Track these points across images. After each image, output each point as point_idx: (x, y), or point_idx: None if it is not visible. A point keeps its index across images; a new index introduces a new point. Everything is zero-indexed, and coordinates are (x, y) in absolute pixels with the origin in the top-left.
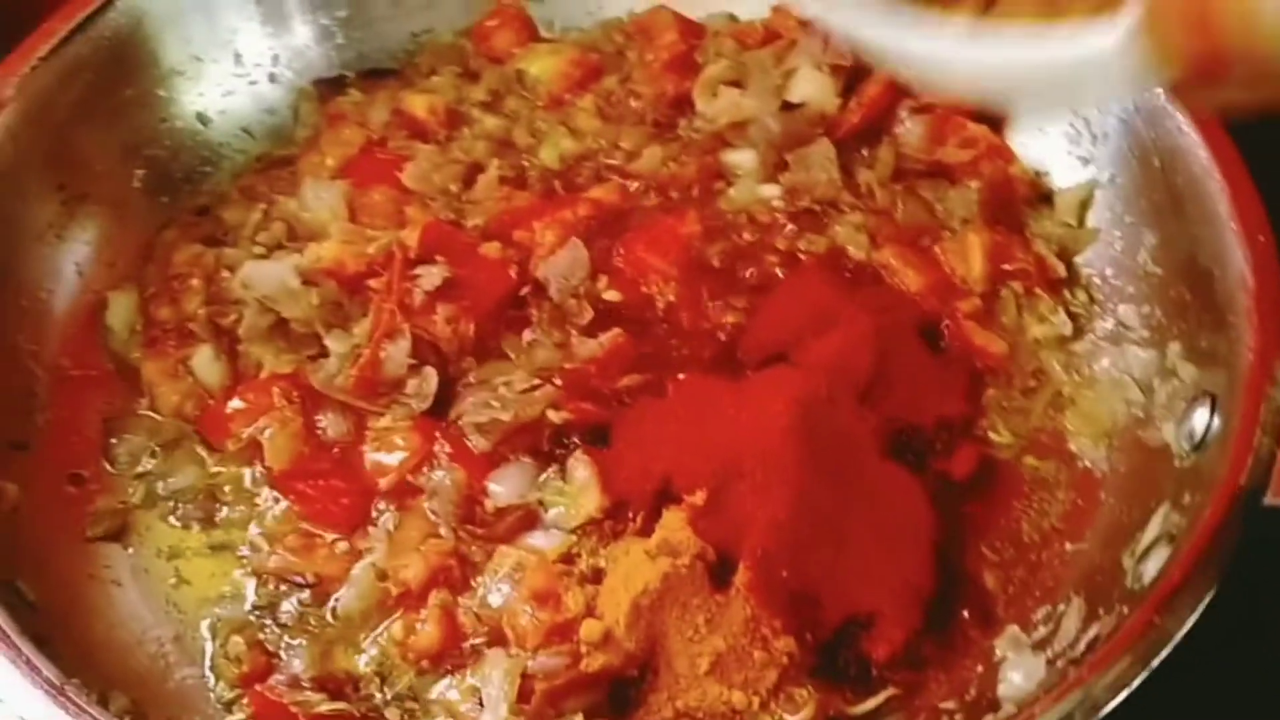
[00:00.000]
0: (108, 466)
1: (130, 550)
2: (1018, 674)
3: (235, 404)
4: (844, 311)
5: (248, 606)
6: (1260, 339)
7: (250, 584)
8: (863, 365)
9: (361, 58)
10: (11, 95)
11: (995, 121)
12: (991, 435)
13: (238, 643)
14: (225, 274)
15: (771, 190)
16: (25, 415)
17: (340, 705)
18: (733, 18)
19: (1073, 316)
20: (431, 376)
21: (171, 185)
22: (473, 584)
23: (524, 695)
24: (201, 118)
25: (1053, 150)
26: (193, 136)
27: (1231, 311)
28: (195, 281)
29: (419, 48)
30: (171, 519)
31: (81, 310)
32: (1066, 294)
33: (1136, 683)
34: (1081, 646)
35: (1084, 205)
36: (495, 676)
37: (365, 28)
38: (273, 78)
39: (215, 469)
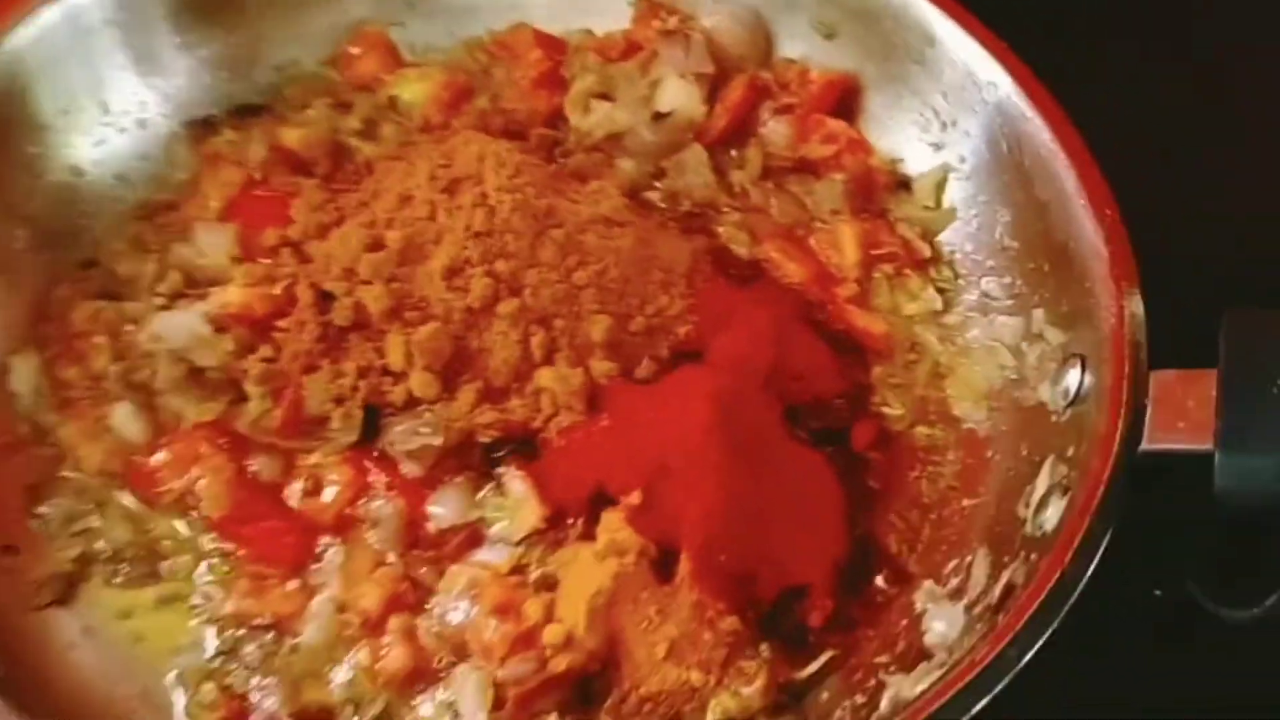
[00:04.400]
0: (39, 530)
1: (81, 614)
2: (940, 623)
3: (161, 457)
4: (740, 309)
5: (209, 654)
6: (1118, 301)
7: (209, 631)
8: (764, 357)
9: (229, 96)
10: None
11: (850, 116)
12: (885, 409)
13: (209, 689)
14: (129, 327)
15: (652, 196)
16: None
17: None
18: (590, 33)
19: (941, 292)
20: (355, 409)
21: (54, 241)
22: (427, 605)
23: (498, 703)
24: (75, 170)
25: (905, 139)
26: (70, 190)
27: (1088, 279)
28: (100, 339)
29: (285, 80)
30: (116, 579)
31: None
32: (933, 272)
33: (1058, 619)
34: (996, 593)
35: (939, 188)
36: (468, 689)
37: (228, 66)
38: (142, 124)
39: (150, 525)
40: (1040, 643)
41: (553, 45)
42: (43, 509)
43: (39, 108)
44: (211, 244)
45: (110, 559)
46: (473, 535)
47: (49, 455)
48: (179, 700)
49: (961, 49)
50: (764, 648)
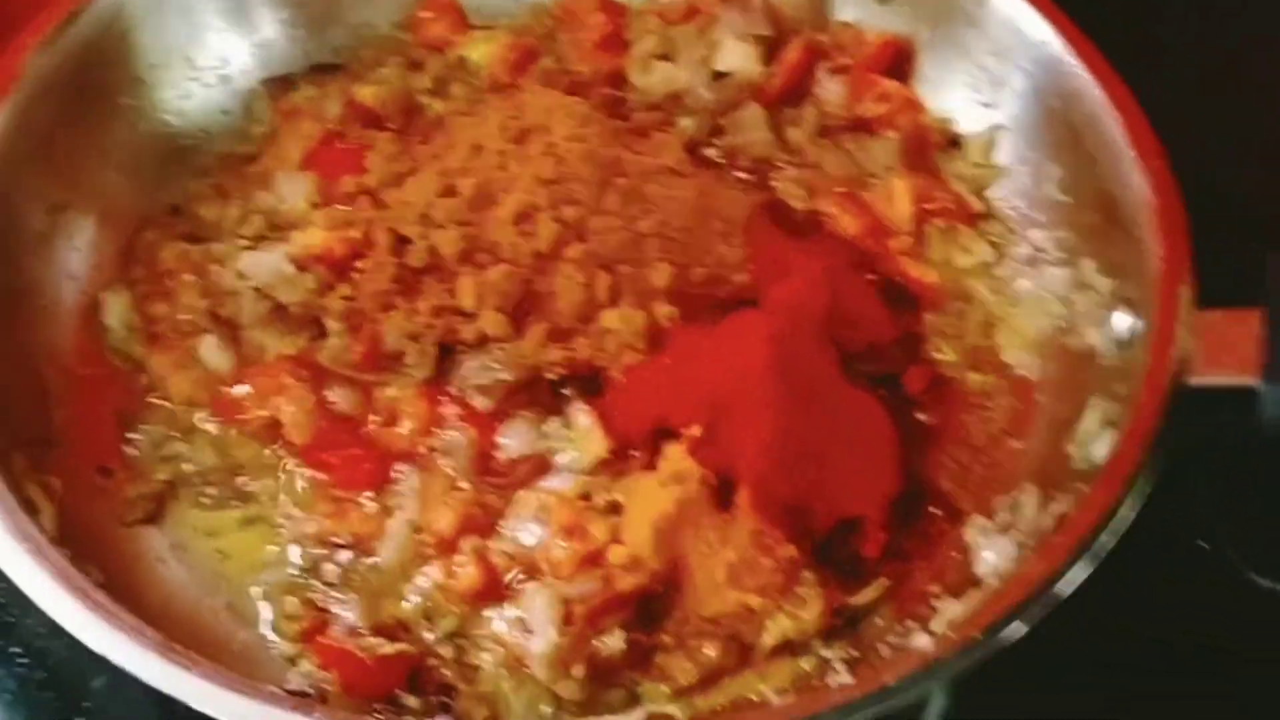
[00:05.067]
0: (132, 454)
1: (170, 532)
2: (990, 554)
3: (245, 387)
4: (796, 259)
5: (292, 570)
6: (1167, 247)
7: (292, 549)
8: (819, 304)
9: (306, 55)
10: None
11: (904, 76)
12: (936, 355)
13: (292, 603)
14: (215, 267)
15: (710, 153)
16: (46, 415)
17: (401, 646)
18: None
19: (992, 245)
20: (430, 346)
21: (144, 187)
22: (499, 528)
23: (566, 619)
24: (163, 122)
25: (957, 98)
26: (158, 139)
27: (1137, 227)
28: (187, 277)
29: (359, 42)
30: (203, 500)
31: (79, 313)
32: (984, 226)
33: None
34: (1046, 523)
35: (990, 146)
36: (539, 605)
37: (307, 26)
38: (225, 79)
39: (235, 450)
40: (1087, 560)
41: (614, 10)
42: (135, 434)
43: (135, 60)
44: (292, 190)
45: (197, 482)
46: (540, 464)
47: (140, 385)
48: (265, 612)
49: (1011, 9)
50: (819, 574)
